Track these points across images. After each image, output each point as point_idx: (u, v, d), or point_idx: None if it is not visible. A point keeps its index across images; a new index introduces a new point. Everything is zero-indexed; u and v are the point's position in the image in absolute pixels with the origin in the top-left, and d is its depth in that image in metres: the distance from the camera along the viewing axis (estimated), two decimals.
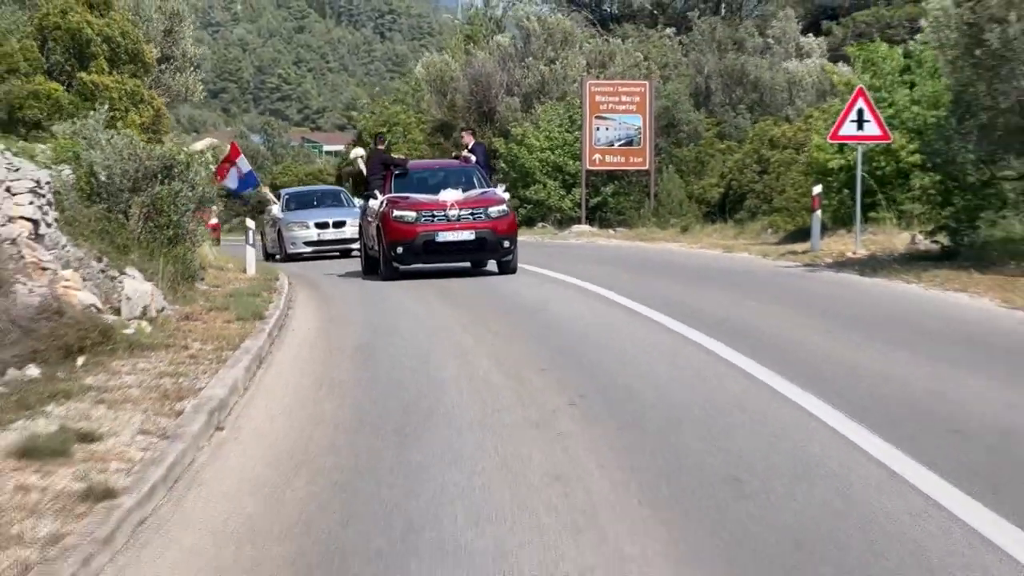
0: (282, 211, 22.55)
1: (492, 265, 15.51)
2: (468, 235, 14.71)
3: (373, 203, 15.53)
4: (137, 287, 9.32)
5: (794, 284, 13.61)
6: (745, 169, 23.95)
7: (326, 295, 14.02)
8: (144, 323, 9.06)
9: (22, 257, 8.87)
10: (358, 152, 18.61)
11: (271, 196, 23.98)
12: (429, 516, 4.81)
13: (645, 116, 28.03)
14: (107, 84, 15.61)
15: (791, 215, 20.24)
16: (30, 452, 5.27)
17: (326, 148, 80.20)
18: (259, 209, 27.34)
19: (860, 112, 16.07)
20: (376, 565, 4.28)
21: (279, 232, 22.20)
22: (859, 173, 16.28)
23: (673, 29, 35.48)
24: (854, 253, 15.99)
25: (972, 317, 10.18)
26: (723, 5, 42.59)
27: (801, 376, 7.30)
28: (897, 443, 5.65)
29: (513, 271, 15.02)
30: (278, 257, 21.94)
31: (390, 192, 15.45)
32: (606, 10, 44.04)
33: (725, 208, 24.40)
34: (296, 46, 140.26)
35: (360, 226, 17.03)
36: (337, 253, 21.38)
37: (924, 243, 15.71)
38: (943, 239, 15.26)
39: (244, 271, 15.44)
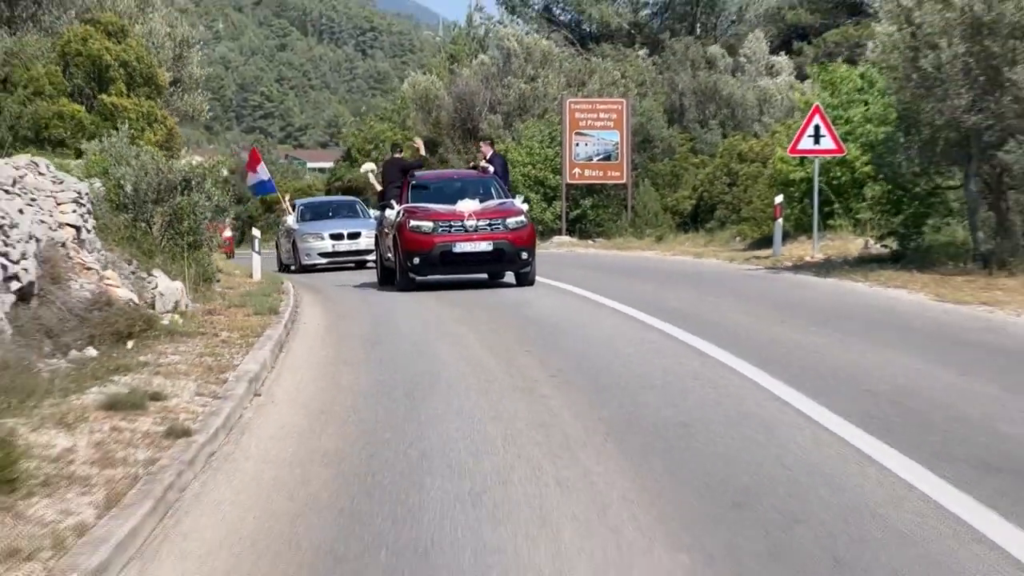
0: (297, 222, 22.44)
1: (509, 277, 15.42)
2: (485, 246, 14.50)
3: (389, 213, 15.41)
4: (168, 285, 10.57)
5: (754, 284, 14.96)
6: (716, 181, 25.37)
7: (330, 297, 15.26)
8: (176, 316, 10.30)
9: (70, 258, 10.10)
10: (368, 167, 18.30)
11: (287, 206, 24.09)
12: (438, 449, 6.07)
13: (622, 132, 29.42)
14: (125, 105, 16.87)
15: (757, 224, 21.63)
16: (114, 406, 6.52)
17: (310, 165, 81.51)
18: (268, 208, 27.65)
19: (817, 128, 17.51)
20: (399, 481, 5.53)
21: (294, 243, 22.06)
22: (816, 184, 17.69)
23: (647, 50, 36.93)
24: (812, 257, 17.37)
25: (904, 308, 11.54)
26: (698, 25, 44.16)
27: (749, 354, 8.59)
28: (816, 398, 6.95)
29: (531, 283, 14.79)
30: (293, 268, 21.82)
31: (407, 202, 15.24)
32: (585, 29, 45.51)
33: (697, 218, 25.79)
34: (278, 64, 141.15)
35: (376, 236, 16.95)
36: (352, 264, 21.21)
37: (876, 247, 17.14)
38: (892, 244, 16.70)
39: (251, 276, 16.67)
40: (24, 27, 16.85)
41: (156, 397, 6.86)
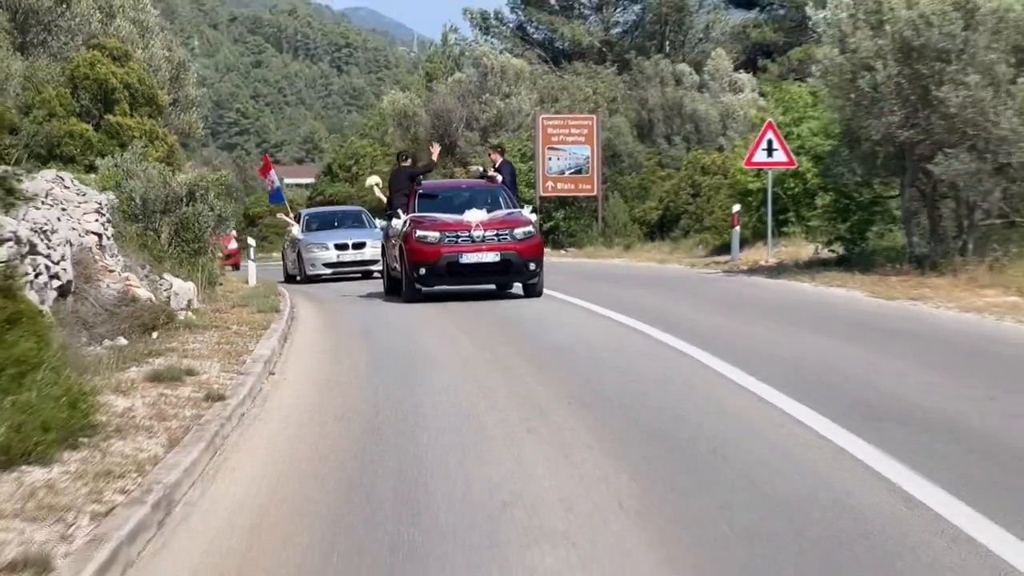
0: (302, 232, 22.20)
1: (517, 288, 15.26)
2: (493, 257, 14.24)
3: (396, 223, 15.19)
4: (182, 285, 11.82)
5: (710, 285, 16.34)
6: (680, 193, 26.82)
7: (322, 299, 16.51)
8: (190, 312, 11.55)
9: (96, 261, 11.34)
10: (373, 180, 18.19)
11: (290, 218, 23.98)
12: (432, 415, 7.34)
13: (593, 147, 30.82)
14: (129, 124, 18.13)
15: (719, 232, 23.04)
16: (157, 378, 7.78)
17: (287, 180, 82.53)
18: (251, 221, 28.33)
19: (770, 142, 18.95)
20: (400, 435, 6.80)
21: (299, 253, 21.80)
22: (769, 193, 19.11)
23: (617, 67, 38.44)
24: (767, 261, 18.77)
25: (839, 303, 12.93)
26: (667, 43, 45.74)
27: (695, 338, 9.91)
28: (743, 367, 8.27)
29: (539, 294, 14.51)
30: (299, 279, 21.57)
31: (413, 212, 15.00)
32: (558, 47, 47.02)
33: (663, 228, 27.22)
34: (253, 80, 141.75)
35: (383, 246, 16.71)
36: (359, 275, 21.00)
37: (825, 252, 18.54)
38: (839, 248, 18.11)
39: (247, 282, 17.91)
40: (35, 52, 18.06)
41: (190, 373, 8.12)
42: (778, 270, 17.47)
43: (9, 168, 6.26)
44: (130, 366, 8.39)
